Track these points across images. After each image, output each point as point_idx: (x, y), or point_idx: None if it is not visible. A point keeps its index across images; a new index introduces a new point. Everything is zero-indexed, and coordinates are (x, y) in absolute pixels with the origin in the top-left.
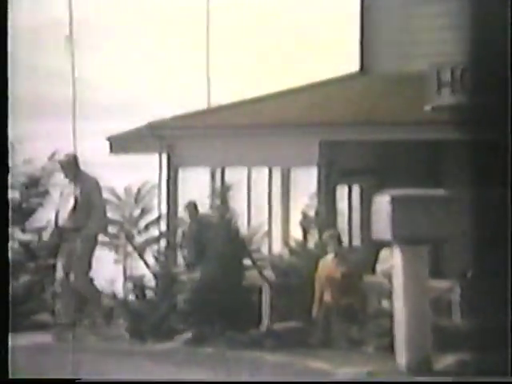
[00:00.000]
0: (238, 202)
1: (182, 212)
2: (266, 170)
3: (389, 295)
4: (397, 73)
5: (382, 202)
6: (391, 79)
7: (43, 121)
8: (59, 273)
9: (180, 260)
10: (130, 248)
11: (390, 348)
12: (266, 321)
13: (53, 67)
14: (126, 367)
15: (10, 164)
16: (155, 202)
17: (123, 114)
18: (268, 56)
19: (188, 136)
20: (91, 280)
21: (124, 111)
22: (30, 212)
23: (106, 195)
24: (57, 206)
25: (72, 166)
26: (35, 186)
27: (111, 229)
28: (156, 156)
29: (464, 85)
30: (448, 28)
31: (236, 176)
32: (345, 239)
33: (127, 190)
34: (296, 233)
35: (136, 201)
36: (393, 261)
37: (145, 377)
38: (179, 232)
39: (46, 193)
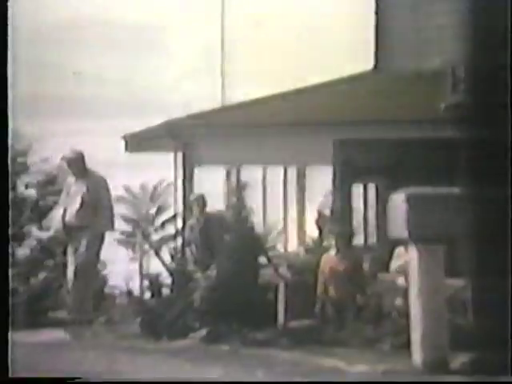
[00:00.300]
0: (253, 201)
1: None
2: (282, 169)
3: (404, 293)
4: (411, 71)
5: (398, 201)
6: (405, 77)
7: (62, 120)
8: (70, 271)
9: (188, 254)
10: (146, 246)
11: (406, 346)
12: (281, 319)
13: (78, 68)
14: (141, 364)
15: (28, 162)
16: (171, 200)
17: (139, 112)
18: (283, 55)
19: (204, 135)
20: (96, 280)
21: (140, 109)
22: (47, 210)
23: (121, 193)
24: (64, 204)
25: (79, 164)
26: (52, 184)
27: (127, 227)
28: (171, 155)
29: (477, 83)
30: (461, 26)
31: (251, 175)
32: (360, 237)
33: (143, 189)
34: (311, 231)
35: (152, 199)
36: (408, 259)
37: (159, 375)
38: (187, 227)
39: (62, 191)
